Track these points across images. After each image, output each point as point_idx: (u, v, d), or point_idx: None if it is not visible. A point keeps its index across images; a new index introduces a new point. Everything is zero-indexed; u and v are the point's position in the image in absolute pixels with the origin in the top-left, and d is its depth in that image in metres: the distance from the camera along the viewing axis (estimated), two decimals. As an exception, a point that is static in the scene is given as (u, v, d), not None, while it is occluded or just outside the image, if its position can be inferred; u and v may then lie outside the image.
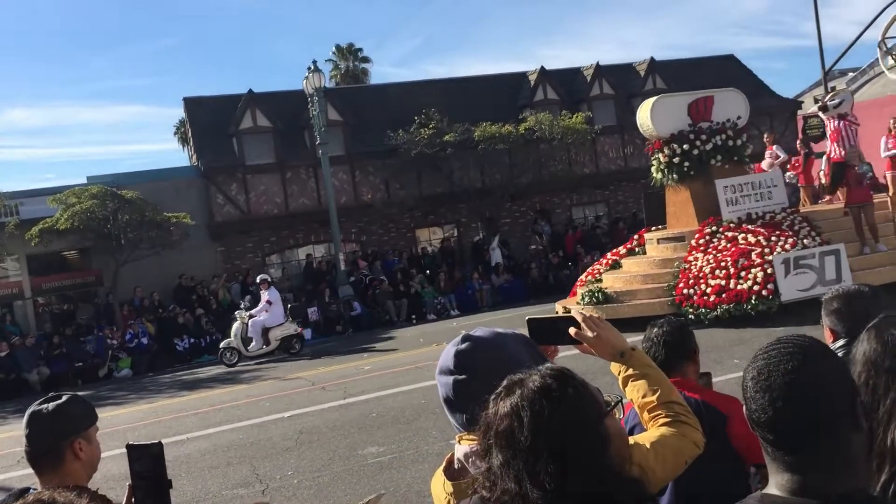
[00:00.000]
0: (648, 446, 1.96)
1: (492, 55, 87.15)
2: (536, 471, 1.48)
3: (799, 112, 33.66)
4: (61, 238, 22.06)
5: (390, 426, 9.71)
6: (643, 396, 2.12)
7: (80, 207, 21.21)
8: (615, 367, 2.15)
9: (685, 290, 13.83)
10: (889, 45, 18.14)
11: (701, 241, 14.76)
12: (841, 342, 2.77)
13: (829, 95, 16.87)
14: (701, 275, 13.81)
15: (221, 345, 18.79)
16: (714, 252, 14.21)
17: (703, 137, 15.63)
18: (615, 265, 17.01)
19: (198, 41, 79.20)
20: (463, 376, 1.80)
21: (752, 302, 12.96)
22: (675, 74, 31.13)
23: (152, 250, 21.99)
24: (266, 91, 27.44)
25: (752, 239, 14.12)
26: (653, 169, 16.40)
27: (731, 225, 14.82)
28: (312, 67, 23.85)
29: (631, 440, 1.94)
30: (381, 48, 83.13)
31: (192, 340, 21.16)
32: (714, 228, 14.88)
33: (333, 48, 45.72)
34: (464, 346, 1.84)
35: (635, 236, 17.87)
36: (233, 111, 26.12)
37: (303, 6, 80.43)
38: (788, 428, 1.42)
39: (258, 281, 19.48)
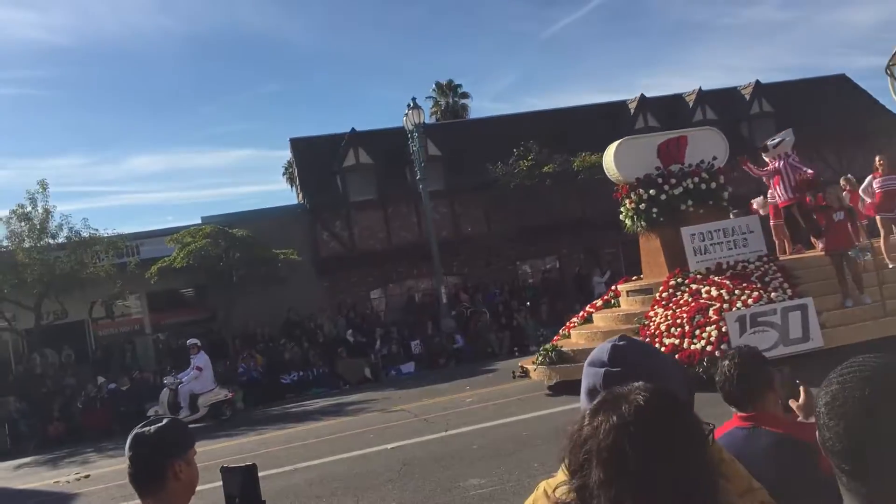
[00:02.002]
0: None
1: (591, 87, 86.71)
2: (642, 491, 1.41)
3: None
4: (178, 276, 23.17)
5: (492, 458, 9.65)
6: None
7: (194, 246, 22.22)
8: None
9: None
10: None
11: (664, 295, 13.47)
12: None
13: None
14: (657, 332, 12.55)
15: (149, 413, 17.17)
16: (674, 307, 12.93)
17: (673, 181, 14.41)
18: (588, 319, 15.78)
19: (301, 86, 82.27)
20: (617, 369, 1.83)
21: (704, 364, 11.37)
22: (782, 96, 30.19)
23: (262, 286, 22.77)
24: (368, 129, 28.17)
25: (714, 292, 12.77)
26: (621, 216, 15.30)
27: (699, 276, 13.45)
28: (412, 104, 24.35)
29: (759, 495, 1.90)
30: (479, 83, 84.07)
31: (299, 374, 21.68)
32: (679, 280, 13.58)
33: (434, 85, 46.53)
34: (622, 342, 1.91)
35: (613, 287, 16.52)
36: (337, 150, 26.93)
37: (402, 49, 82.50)
38: (863, 457, 1.32)
39: (188, 345, 18.58)
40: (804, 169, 14.63)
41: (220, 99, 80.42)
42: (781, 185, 14.48)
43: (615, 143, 15.23)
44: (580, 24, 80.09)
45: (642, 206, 14.49)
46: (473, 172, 26.44)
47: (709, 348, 11.75)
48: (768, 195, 15.16)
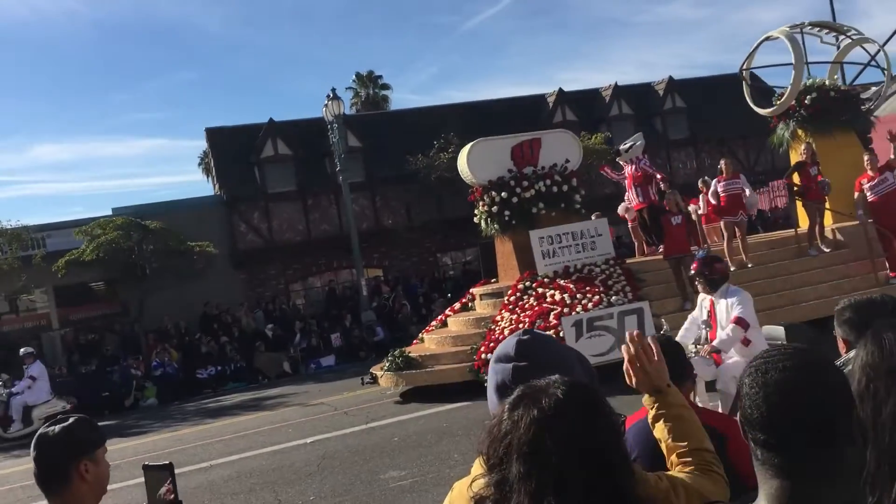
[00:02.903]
0: (685, 485, 1.91)
1: (510, 81, 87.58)
2: (562, 484, 1.41)
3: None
4: (87, 269, 22.37)
5: (412, 450, 9.66)
6: (675, 439, 2.07)
7: (104, 238, 21.49)
8: (647, 400, 2.11)
9: (484, 355, 12.12)
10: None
11: (512, 299, 13.39)
12: (854, 352, 2.73)
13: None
14: (501, 337, 12.04)
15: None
16: (520, 311, 12.91)
17: (525, 184, 14.29)
18: (445, 323, 15.51)
19: (218, 75, 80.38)
20: (524, 363, 1.83)
21: None
22: (695, 92, 31.09)
23: (176, 279, 22.20)
24: (287, 119, 27.76)
25: (558, 296, 12.81)
26: (475, 218, 15.16)
27: (546, 280, 13.45)
28: (332, 95, 24.08)
29: (669, 475, 1.95)
30: (400, 75, 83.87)
31: (217, 368, 21.25)
32: (527, 284, 13.54)
33: (354, 76, 46.13)
34: (525, 337, 1.93)
35: (471, 289, 16.29)
36: (254, 140, 26.44)
37: (322, 40, 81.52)
38: (781, 426, 1.38)
39: (21, 354, 17.18)
40: (653, 172, 15.00)
41: (132, 87, 77.88)
42: (633, 189, 14.83)
43: (469, 145, 15.07)
44: (500, 17, 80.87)
45: (494, 208, 14.36)
46: (394, 164, 26.36)
47: None
48: (625, 198, 15.44)
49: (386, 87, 46.97)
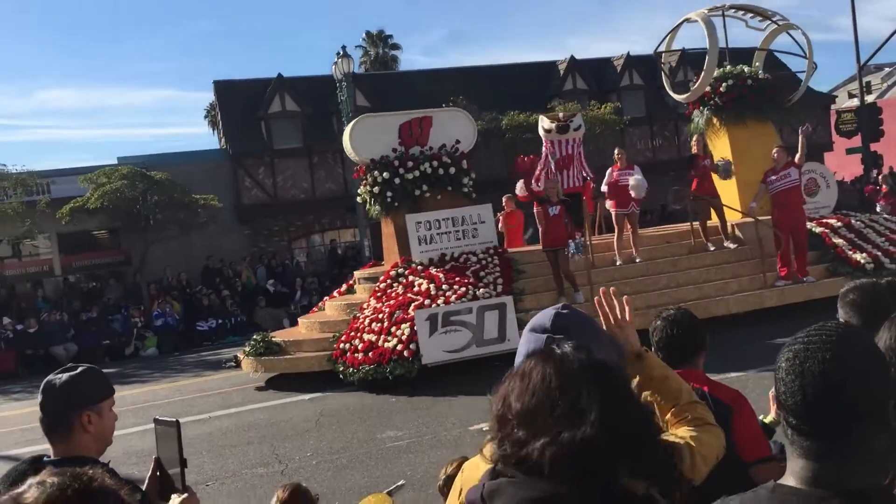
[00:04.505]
0: (691, 440, 2.00)
1: (521, 45, 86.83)
2: (574, 412, 1.39)
3: (832, 107, 33.20)
4: (91, 217, 22.43)
5: (409, 412, 9.76)
6: (665, 399, 2.15)
7: (110, 187, 21.48)
8: (630, 369, 2.14)
9: (342, 344, 11.63)
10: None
11: (382, 286, 12.67)
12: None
13: (562, 116, 15.45)
14: (362, 326, 11.73)
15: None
16: (386, 300, 12.17)
17: (410, 164, 13.38)
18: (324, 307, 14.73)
19: (229, 27, 79.78)
20: (560, 336, 1.83)
21: (392, 364, 10.93)
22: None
23: (180, 231, 22.23)
24: (295, 76, 27.56)
25: (425, 286, 12.04)
26: (358, 198, 14.41)
27: (419, 267, 12.70)
28: (342, 53, 23.87)
29: (670, 436, 2.01)
30: (409, 36, 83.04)
31: (218, 321, 21.37)
32: (400, 270, 12.82)
33: (364, 34, 45.67)
34: (565, 311, 1.95)
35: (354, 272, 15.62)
36: (262, 95, 26.29)
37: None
38: (815, 416, 1.39)
39: None
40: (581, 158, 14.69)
41: (142, 35, 77.24)
42: (576, 169, 14.55)
43: (354, 121, 14.35)
44: (514, -19, 79.67)
45: (376, 189, 13.46)
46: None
47: (399, 347, 11.02)
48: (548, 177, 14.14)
49: (396, 47, 46.50)
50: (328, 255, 26.30)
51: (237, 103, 26.90)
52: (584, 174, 14.57)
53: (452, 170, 13.65)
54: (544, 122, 15.07)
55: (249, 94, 26.58)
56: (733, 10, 16.11)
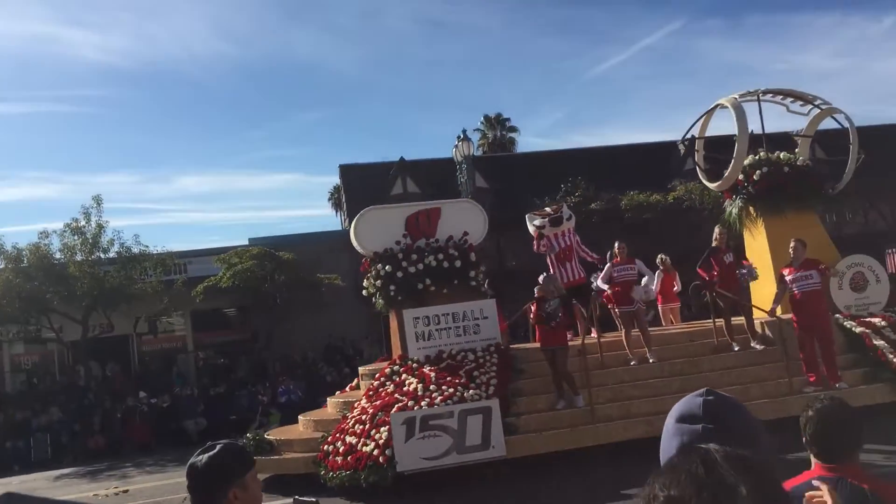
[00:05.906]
0: None
1: (638, 127, 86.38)
2: None
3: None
4: (223, 296, 23.43)
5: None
6: None
7: (241, 267, 22.46)
8: None
9: (327, 446, 10.76)
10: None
11: (377, 384, 11.89)
12: None
13: (554, 208, 14.52)
14: (347, 428, 10.93)
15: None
16: (375, 399, 11.37)
17: (413, 257, 12.79)
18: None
19: (351, 115, 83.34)
20: (712, 425, 1.73)
21: (367, 470, 10.00)
22: (837, 144, 29.67)
23: (305, 310, 22.90)
24: (417, 159, 28.33)
25: (413, 385, 11.20)
26: (364, 291, 13.71)
27: (415, 365, 11.91)
28: (462, 136, 24.43)
29: None
30: (526, 118, 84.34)
31: (337, 399, 21.64)
32: (396, 367, 12.08)
33: (482, 118, 46.70)
34: (711, 397, 1.80)
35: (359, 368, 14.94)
36: (385, 178, 27.10)
37: (451, 82, 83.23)
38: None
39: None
40: (581, 247, 13.81)
41: (270, 124, 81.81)
42: (574, 263, 13.63)
43: (361, 213, 13.77)
44: (626, 64, 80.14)
45: (379, 282, 12.92)
46: (520, 206, 26.36)
47: (375, 452, 10.12)
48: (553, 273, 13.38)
49: (513, 129, 47.28)
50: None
51: (360, 185, 27.82)
52: (590, 259, 13.67)
53: (458, 263, 13.02)
54: (535, 220, 14.35)
55: (372, 177, 27.48)
56: (770, 95, 15.30)
